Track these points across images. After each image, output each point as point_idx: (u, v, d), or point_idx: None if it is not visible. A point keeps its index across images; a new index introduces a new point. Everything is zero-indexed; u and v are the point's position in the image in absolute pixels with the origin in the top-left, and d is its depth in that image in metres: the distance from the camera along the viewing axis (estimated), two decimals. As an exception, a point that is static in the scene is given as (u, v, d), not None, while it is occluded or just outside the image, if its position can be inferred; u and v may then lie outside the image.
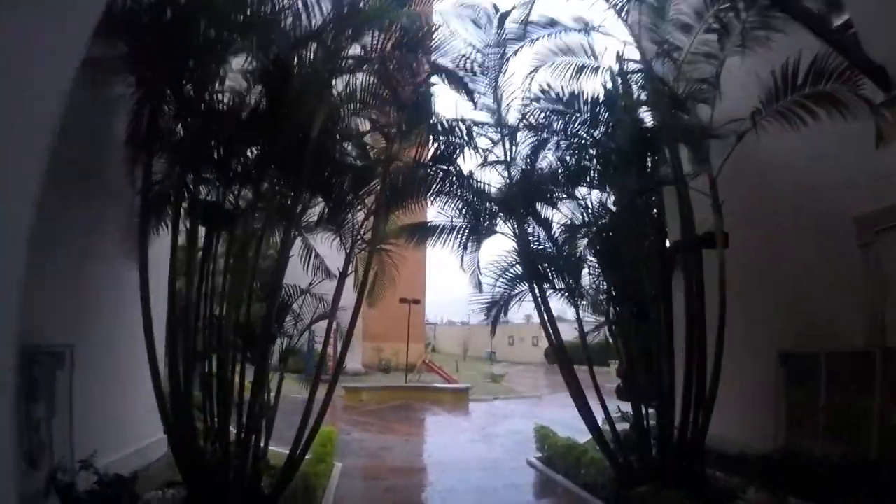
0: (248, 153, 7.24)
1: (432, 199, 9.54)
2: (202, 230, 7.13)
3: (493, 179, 9.74)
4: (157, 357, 6.25)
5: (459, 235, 9.89)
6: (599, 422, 8.64)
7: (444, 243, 10.12)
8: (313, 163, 6.79)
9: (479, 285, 10.38)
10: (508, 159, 9.35)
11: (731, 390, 7.33)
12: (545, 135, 9.43)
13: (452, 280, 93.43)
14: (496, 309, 9.73)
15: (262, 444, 7.12)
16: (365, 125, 8.12)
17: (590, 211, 9.57)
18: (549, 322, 8.80)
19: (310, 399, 7.06)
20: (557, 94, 8.90)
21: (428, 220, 10.80)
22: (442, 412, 18.99)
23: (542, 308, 8.78)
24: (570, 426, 12.26)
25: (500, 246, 9.87)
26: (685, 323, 7.54)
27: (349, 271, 7.60)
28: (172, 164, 6.77)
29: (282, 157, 6.76)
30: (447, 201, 9.73)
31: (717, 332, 7.21)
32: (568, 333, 9.56)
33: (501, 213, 9.62)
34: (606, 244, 9.25)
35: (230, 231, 7.05)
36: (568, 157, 9.50)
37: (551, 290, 9.06)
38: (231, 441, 6.67)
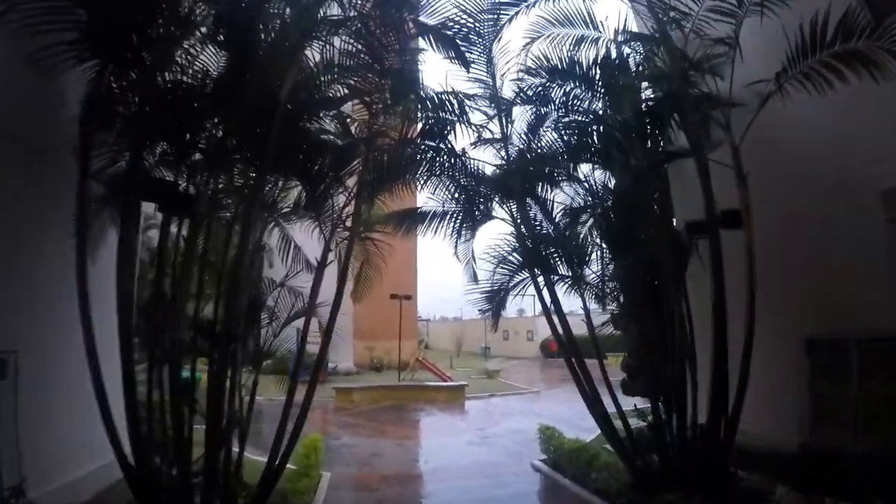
0: (211, 127, 6.31)
1: (422, 181, 8.73)
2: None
3: (488, 160, 8.98)
4: (98, 362, 5.35)
5: (453, 221, 9.05)
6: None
7: (435, 231, 9.35)
8: (286, 138, 5.96)
9: (474, 276, 9.60)
10: (505, 136, 8.52)
11: (752, 381, 6.69)
12: (543, 109, 8.64)
13: (444, 275, 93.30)
14: (497, 299, 8.86)
15: (233, 458, 6.28)
16: (344, 93, 7.19)
17: (594, 191, 8.75)
18: (557, 312, 7.99)
19: (287, 404, 6.23)
20: (555, 63, 8.11)
21: (418, 206, 9.97)
22: (437, 412, 18.21)
23: (550, 297, 7.96)
24: (573, 424, 11.92)
25: (495, 235, 9.07)
26: (712, 310, 6.77)
27: (329, 261, 6.72)
28: (124, 141, 5.88)
29: (247, 128, 5.89)
30: (438, 184, 8.97)
31: (747, 320, 6.58)
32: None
33: (498, 196, 8.80)
34: (614, 226, 8.41)
35: (190, 216, 6.13)
36: (568, 132, 8.67)
37: (556, 279, 8.22)
38: (197, 457, 5.80)
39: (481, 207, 8.99)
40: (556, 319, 7.99)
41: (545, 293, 8.08)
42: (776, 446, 7.64)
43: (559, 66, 8.00)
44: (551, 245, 8.47)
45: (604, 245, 8.68)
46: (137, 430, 5.43)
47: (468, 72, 7.72)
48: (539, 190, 8.79)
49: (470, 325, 49.92)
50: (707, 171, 6.97)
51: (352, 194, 7.24)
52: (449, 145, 8.31)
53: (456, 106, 8.13)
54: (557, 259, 8.38)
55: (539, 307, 8.26)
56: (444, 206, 9.15)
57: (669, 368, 7.46)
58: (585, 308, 8.31)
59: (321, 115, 6.90)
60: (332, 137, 7.46)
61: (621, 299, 8.56)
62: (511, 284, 8.73)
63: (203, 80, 6.21)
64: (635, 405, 8.12)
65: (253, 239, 6.42)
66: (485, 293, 9.00)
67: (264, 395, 11.07)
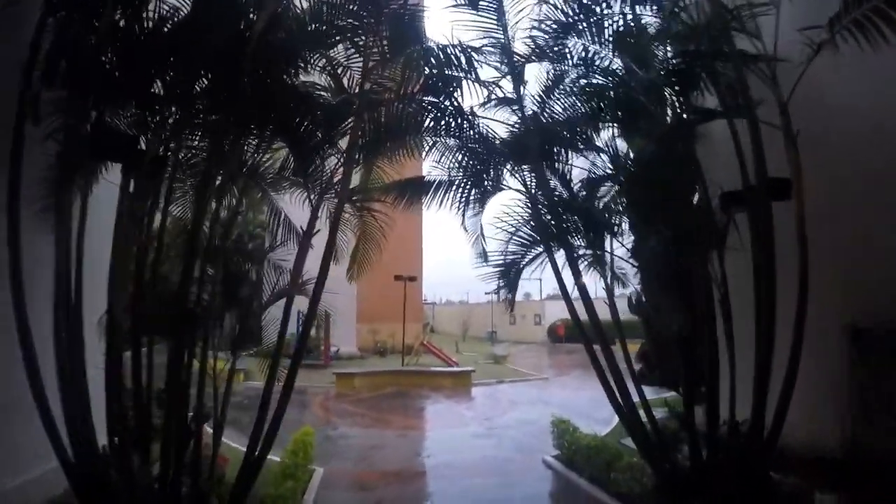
0: (177, 74, 5.41)
1: (426, 143, 7.80)
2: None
3: (498, 124, 8.01)
4: (33, 346, 4.54)
5: (460, 191, 8.13)
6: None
7: (440, 203, 8.38)
8: (263, 83, 5.11)
9: (484, 254, 8.70)
10: (519, 95, 7.57)
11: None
12: (561, 68, 7.69)
13: (450, 258, 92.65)
14: (511, 274, 7.90)
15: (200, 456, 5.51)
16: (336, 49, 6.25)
17: (617, 158, 7.85)
18: (580, 290, 7.11)
19: (266, 390, 5.48)
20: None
21: (422, 175, 9.05)
22: (442, 399, 17.48)
23: (573, 274, 7.05)
24: (585, 414, 11.48)
25: (507, 206, 8.12)
26: (763, 293, 5.95)
27: (316, 230, 5.86)
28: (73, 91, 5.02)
29: (216, 72, 5.02)
30: (444, 150, 8.02)
31: (797, 304, 5.70)
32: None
33: (510, 163, 7.88)
34: (641, 195, 7.49)
35: (154, 176, 5.26)
36: (589, 92, 7.73)
37: (577, 255, 7.33)
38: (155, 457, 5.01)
39: (491, 175, 8.08)
40: (582, 297, 7.12)
41: (564, 271, 7.21)
42: (815, 445, 7.00)
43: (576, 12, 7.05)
44: (572, 215, 7.56)
45: (628, 218, 7.79)
46: (75, 424, 4.62)
47: (476, 11, 6.79)
48: (556, 156, 7.87)
49: (476, 308, 49.39)
50: (758, 132, 6.06)
51: (343, 156, 6.36)
52: (455, 104, 7.39)
53: (463, 60, 7.19)
54: (578, 232, 7.47)
55: (546, 291, 7.39)
56: (450, 175, 8.23)
57: (702, 357, 6.62)
58: (608, 288, 7.46)
59: (308, 61, 5.96)
60: (322, 94, 6.57)
61: (646, 279, 7.69)
62: (526, 260, 7.81)
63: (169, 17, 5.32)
64: (665, 399, 7.30)
65: (228, 204, 5.59)
66: (497, 266, 8.08)
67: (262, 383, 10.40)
